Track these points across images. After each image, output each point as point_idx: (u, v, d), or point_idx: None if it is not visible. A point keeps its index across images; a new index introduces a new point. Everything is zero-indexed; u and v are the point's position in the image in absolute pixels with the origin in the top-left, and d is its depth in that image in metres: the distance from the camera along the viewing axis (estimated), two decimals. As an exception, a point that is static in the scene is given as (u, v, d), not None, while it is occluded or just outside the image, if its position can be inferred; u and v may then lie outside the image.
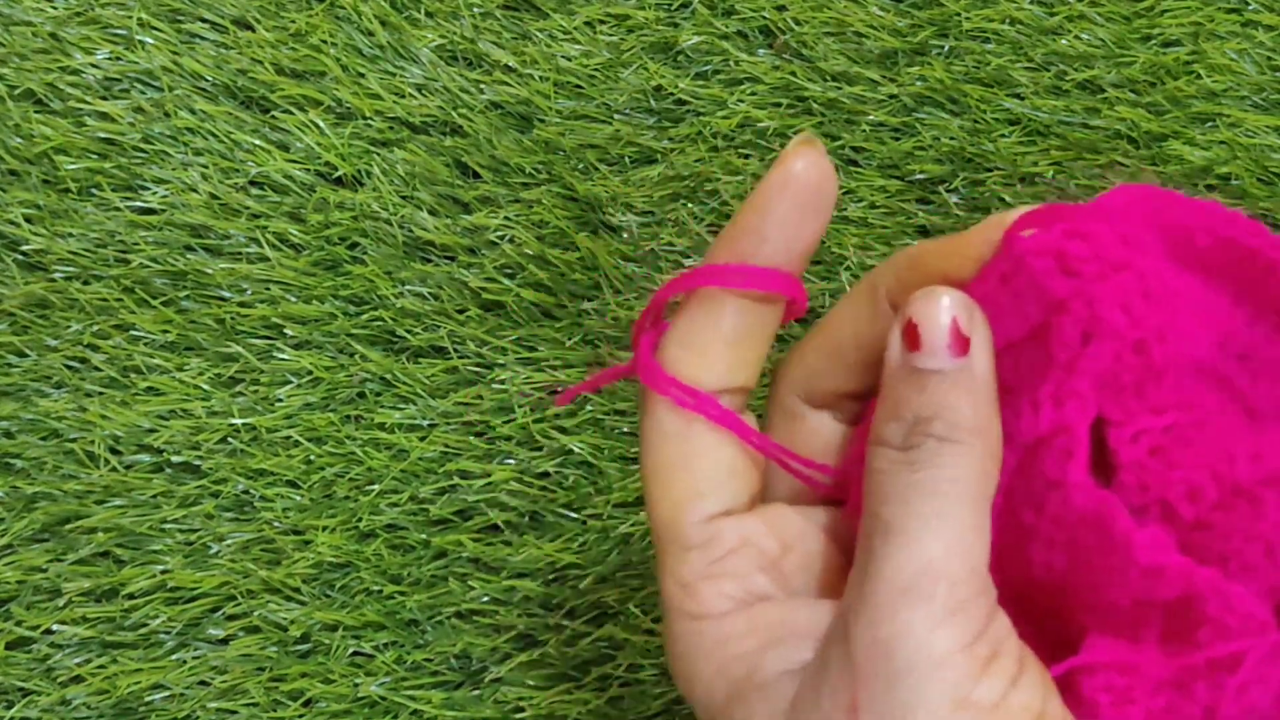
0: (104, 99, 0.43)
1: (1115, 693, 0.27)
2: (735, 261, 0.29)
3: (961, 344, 0.27)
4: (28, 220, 0.42)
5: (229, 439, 0.41)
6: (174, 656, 0.40)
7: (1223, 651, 0.26)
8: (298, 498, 0.41)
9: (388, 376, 0.42)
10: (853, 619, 0.26)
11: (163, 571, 0.41)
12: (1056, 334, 0.27)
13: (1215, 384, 0.28)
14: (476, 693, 0.40)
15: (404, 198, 0.43)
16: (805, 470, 0.30)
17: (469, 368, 0.42)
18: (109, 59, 0.43)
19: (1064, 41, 0.44)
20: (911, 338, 0.27)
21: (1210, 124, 0.43)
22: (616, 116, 0.44)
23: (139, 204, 0.42)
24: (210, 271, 0.42)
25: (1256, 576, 0.26)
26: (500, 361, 0.42)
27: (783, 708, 0.27)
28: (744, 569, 0.29)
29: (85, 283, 0.42)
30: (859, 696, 0.26)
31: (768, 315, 0.30)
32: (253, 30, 0.43)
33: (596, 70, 0.44)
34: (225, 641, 0.40)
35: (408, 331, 0.42)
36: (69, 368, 0.42)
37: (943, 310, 0.27)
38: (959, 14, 0.44)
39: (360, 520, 0.41)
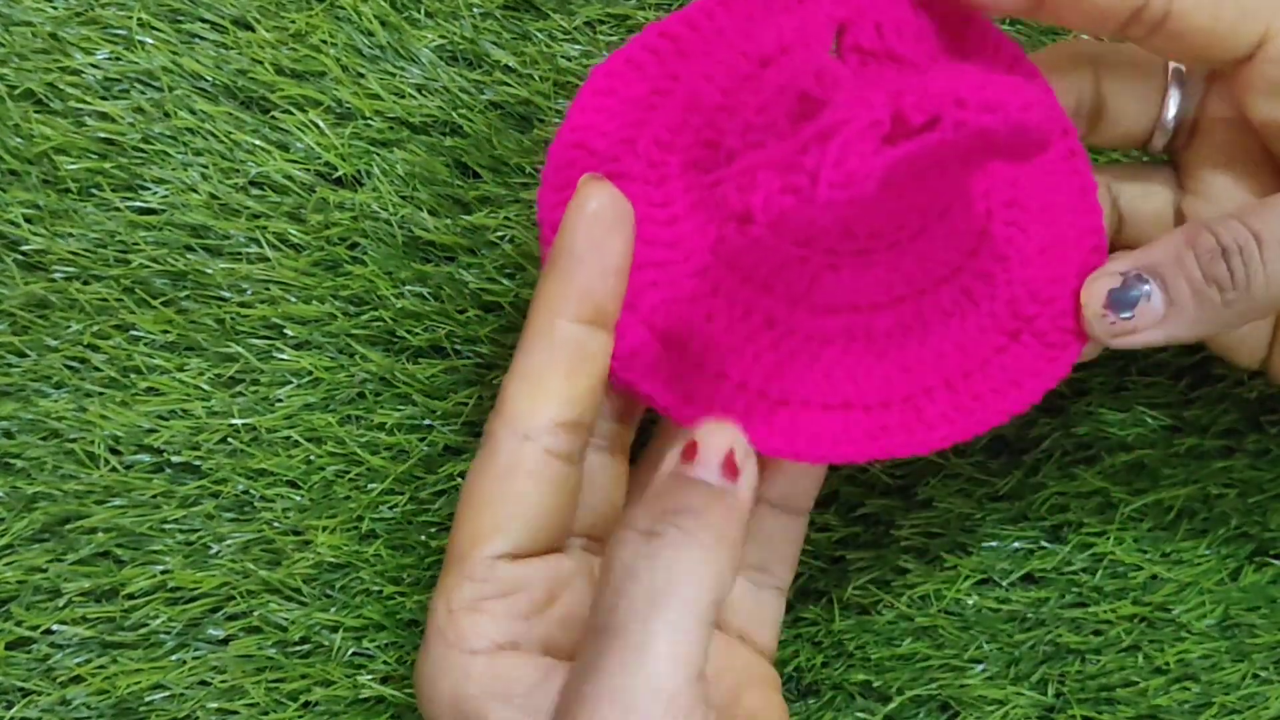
0: (104, 99, 0.43)
1: (740, 184, 0.30)
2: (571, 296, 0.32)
3: (732, 471, 0.30)
4: (28, 220, 0.42)
5: (229, 439, 0.41)
6: (174, 656, 0.40)
7: (826, 122, 0.29)
8: (298, 498, 0.41)
9: (388, 376, 0.42)
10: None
11: (163, 571, 0.41)
12: None
13: None
14: (476, 693, 0.40)
15: (404, 198, 0.43)
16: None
17: (469, 368, 0.42)
18: (109, 59, 0.43)
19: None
20: (690, 453, 0.30)
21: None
22: (616, 117, 0.44)
23: (139, 204, 0.42)
24: (210, 271, 0.42)
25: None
26: (500, 362, 0.42)
27: None
28: (506, 613, 0.31)
29: (85, 283, 0.42)
30: None
31: (601, 348, 0.32)
32: (253, 30, 0.43)
33: (596, 70, 0.44)
34: (225, 641, 0.40)
35: (408, 332, 0.42)
36: (69, 368, 0.42)
37: (725, 439, 0.30)
38: (959, 14, 0.44)
39: (360, 520, 0.41)
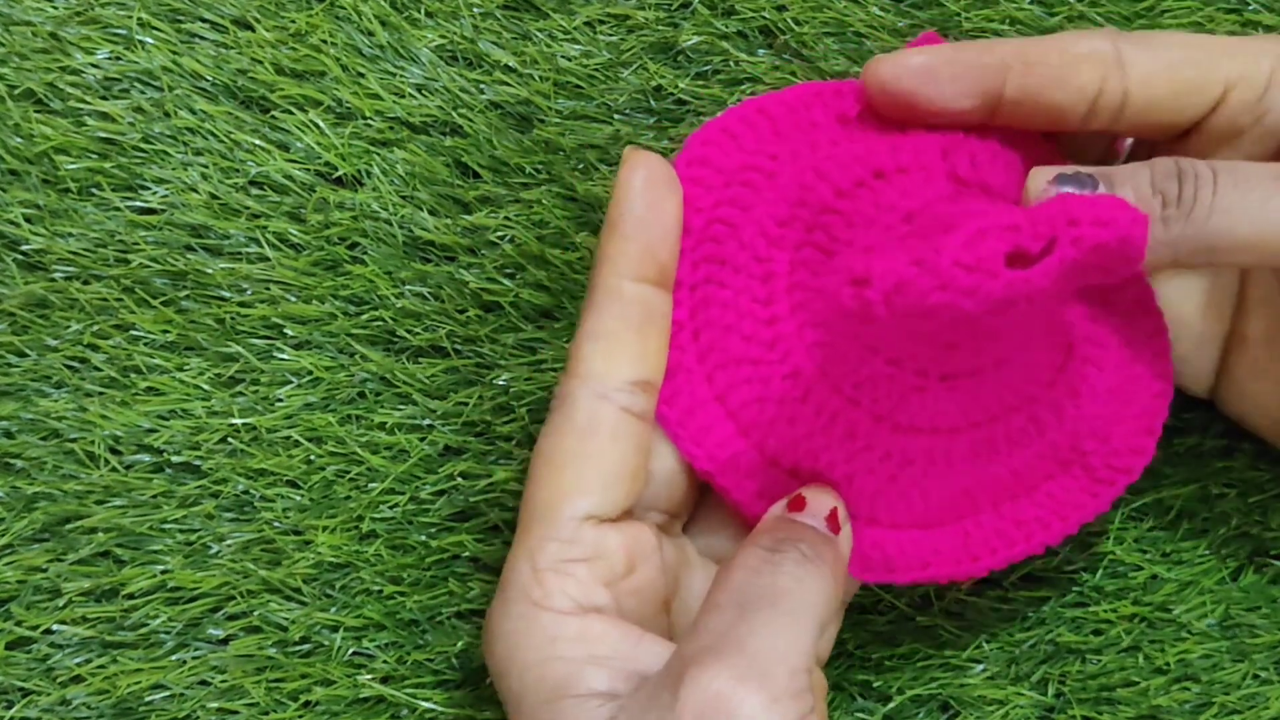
0: (104, 99, 0.43)
1: (855, 264, 0.31)
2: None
3: (834, 526, 0.32)
4: (28, 220, 0.42)
5: (229, 439, 0.41)
6: (174, 656, 0.40)
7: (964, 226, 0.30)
8: (298, 498, 0.41)
9: (388, 376, 0.42)
10: (692, 670, 0.28)
11: (163, 571, 0.41)
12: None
13: None
14: (476, 692, 0.40)
15: (404, 198, 0.43)
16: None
17: (469, 368, 0.42)
18: (109, 59, 0.43)
19: (1064, 42, 0.44)
20: (797, 504, 0.32)
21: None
22: (616, 116, 0.44)
23: (139, 204, 0.42)
24: (210, 271, 0.42)
25: None
26: (500, 362, 0.42)
27: None
28: (589, 578, 0.31)
29: (85, 283, 0.42)
30: None
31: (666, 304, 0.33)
32: (253, 30, 0.43)
33: (596, 70, 0.44)
34: (225, 641, 0.40)
35: (408, 331, 0.42)
36: (69, 368, 0.42)
37: (830, 499, 0.33)
38: (959, 14, 0.44)
39: (360, 520, 0.41)
